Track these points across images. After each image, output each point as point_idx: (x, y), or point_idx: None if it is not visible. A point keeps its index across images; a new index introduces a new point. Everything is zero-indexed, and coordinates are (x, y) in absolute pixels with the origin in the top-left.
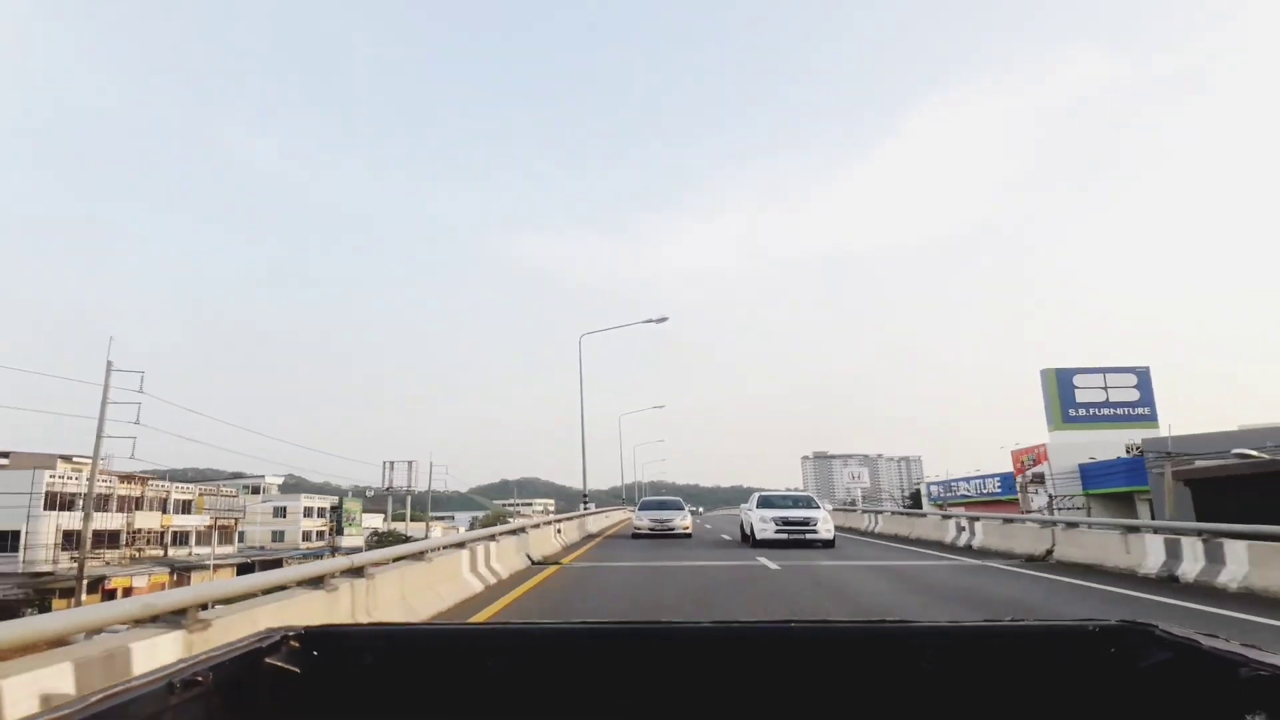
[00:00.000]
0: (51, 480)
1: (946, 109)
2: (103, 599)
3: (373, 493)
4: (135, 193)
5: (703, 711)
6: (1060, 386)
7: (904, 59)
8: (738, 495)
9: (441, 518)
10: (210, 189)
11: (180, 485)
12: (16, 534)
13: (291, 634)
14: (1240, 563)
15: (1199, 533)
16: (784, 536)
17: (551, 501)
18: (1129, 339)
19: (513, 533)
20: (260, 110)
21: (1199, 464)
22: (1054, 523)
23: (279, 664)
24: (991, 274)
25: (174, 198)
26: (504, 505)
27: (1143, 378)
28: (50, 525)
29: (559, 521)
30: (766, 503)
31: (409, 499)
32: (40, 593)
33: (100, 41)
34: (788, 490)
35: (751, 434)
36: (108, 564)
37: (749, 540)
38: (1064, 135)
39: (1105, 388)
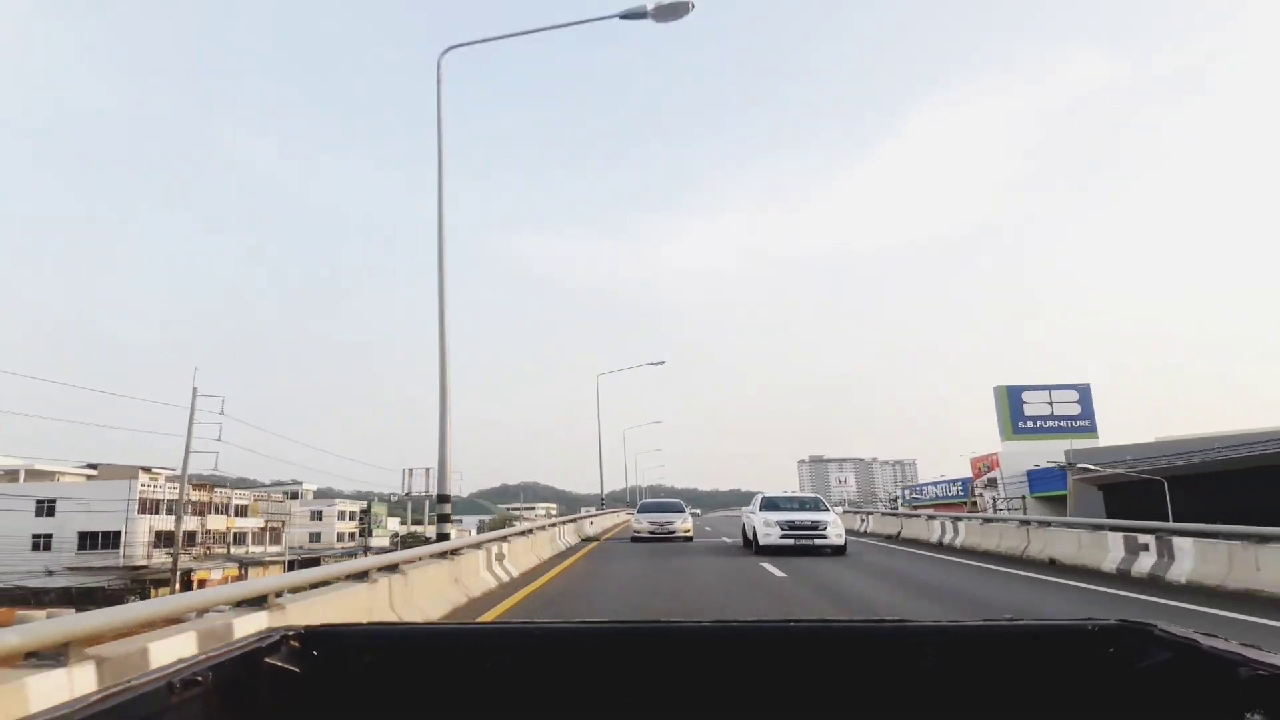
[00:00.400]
0: (143, 488)
1: (946, 109)
2: (193, 588)
3: (396, 498)
4: (140, 196)
5: (703, 711)
6: (1010, 402)
7: (904, 59)
8: (736, 498)
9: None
10: (211, 190)
11: (238, 491)
12: (117, 534)
13: (291, 633)
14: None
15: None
16: (790, 542)
17: (554, 506)
18: (1129, 339)
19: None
20: (259, 111)
21: (1098, 471)
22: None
23: (279, 664)
24: (990, 274)
25: (174, 200)
26: (509, 509)
27: (1084, 394)
28: (144, 527)
29: (564, 523)
30: (771, 505)
31: (426, 504)
32: (138, 583)
33: (100, 39)
34: (790, 492)
35: (750, 436)
36: (193, 559)
37: (752, 546)
38: (1063, 135)
39: (1050, 403)
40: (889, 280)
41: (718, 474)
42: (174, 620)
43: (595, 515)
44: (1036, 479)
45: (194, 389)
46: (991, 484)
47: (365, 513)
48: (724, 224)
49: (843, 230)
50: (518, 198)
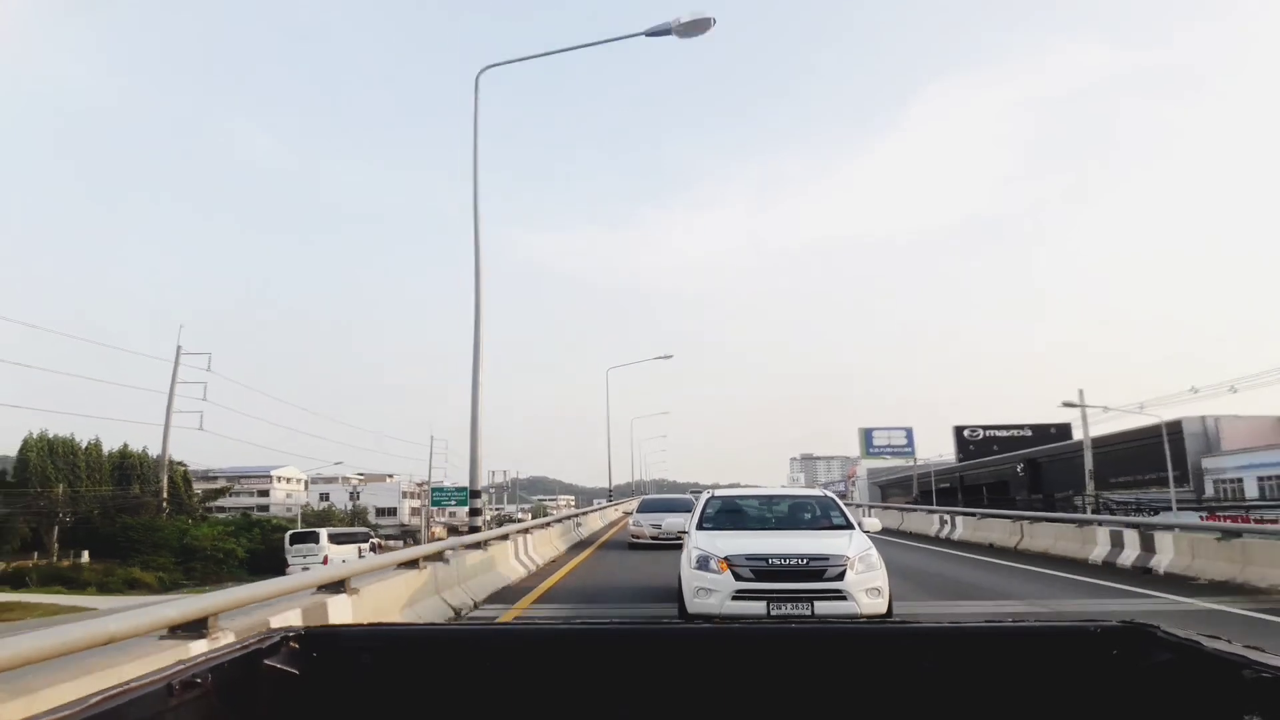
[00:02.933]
0: (404, 485)
1: (950, 100)
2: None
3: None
4: (155, 188)
5: (703, 712)
6: (865, 436)
7: (903, 54)
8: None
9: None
10: (211, 181)
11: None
12: (394, 509)
13: (290, 634)
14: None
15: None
16: (760, 610)
17: (572, 498)
18: (1136, 327)
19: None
20: (261, 104)
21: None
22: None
23: (278, 665)
24: (991, 268)
25: (181, 189)
26: (539, 500)
27: (909, 433)
28: (405, 506)
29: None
30: (725, 515)
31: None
32: (404, 535)
33: (102, 37)
34: (768, 491)
35: (750, 429)
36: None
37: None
38: (1074, 126)
39: (889, 438)
40: (888, 273)
41: (718, 468)
42: (413, 560)
43: (595, 510)
44: (875, 483)
45: (178, 346)
46: (852, 487)
47: (475, 494)
48: (724, 218)
49: (841, 224)
50: (517, 190)
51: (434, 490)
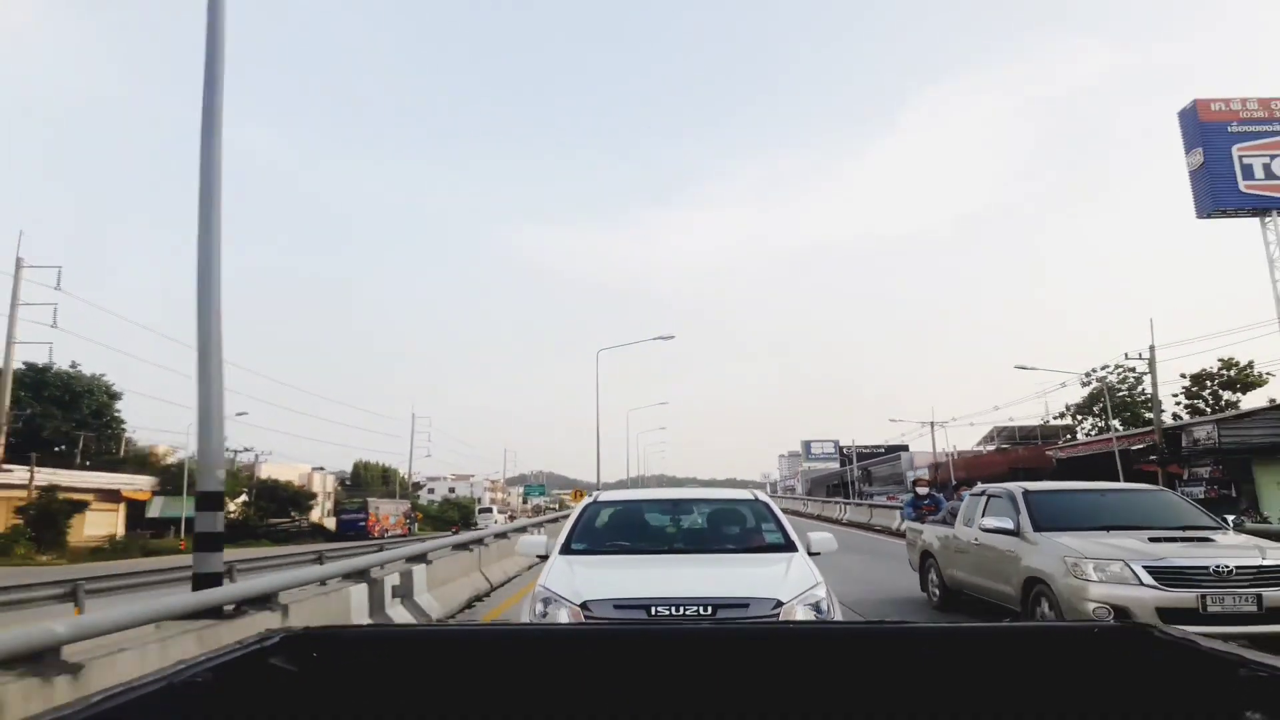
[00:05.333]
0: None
1: (948, 100)
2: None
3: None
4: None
5: (702, 712)
6: (806, 447)
7: (903, 54)
8: (733, 486)
9: (486, 510)
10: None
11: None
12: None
13: (291, 634)
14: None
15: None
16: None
17: (572, 494)
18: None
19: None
20: (259, 102)
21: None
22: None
23: (279, 664)
24: (990, 263)
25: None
26: (558, 493)
27: (836, 444)
28: (486, 497)
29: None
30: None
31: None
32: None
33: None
34: (688, 491)
35: (747, 425)
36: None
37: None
38: (1073, 125)
39: (823, 447)
40: (887, 270)
41: (715, 464)
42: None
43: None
44: (814, 483)
45: (18, 259)
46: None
47: (534, 489)
48: (723, 217)
49: (840, 222)
50: (519, 191)
51: (526, 488)
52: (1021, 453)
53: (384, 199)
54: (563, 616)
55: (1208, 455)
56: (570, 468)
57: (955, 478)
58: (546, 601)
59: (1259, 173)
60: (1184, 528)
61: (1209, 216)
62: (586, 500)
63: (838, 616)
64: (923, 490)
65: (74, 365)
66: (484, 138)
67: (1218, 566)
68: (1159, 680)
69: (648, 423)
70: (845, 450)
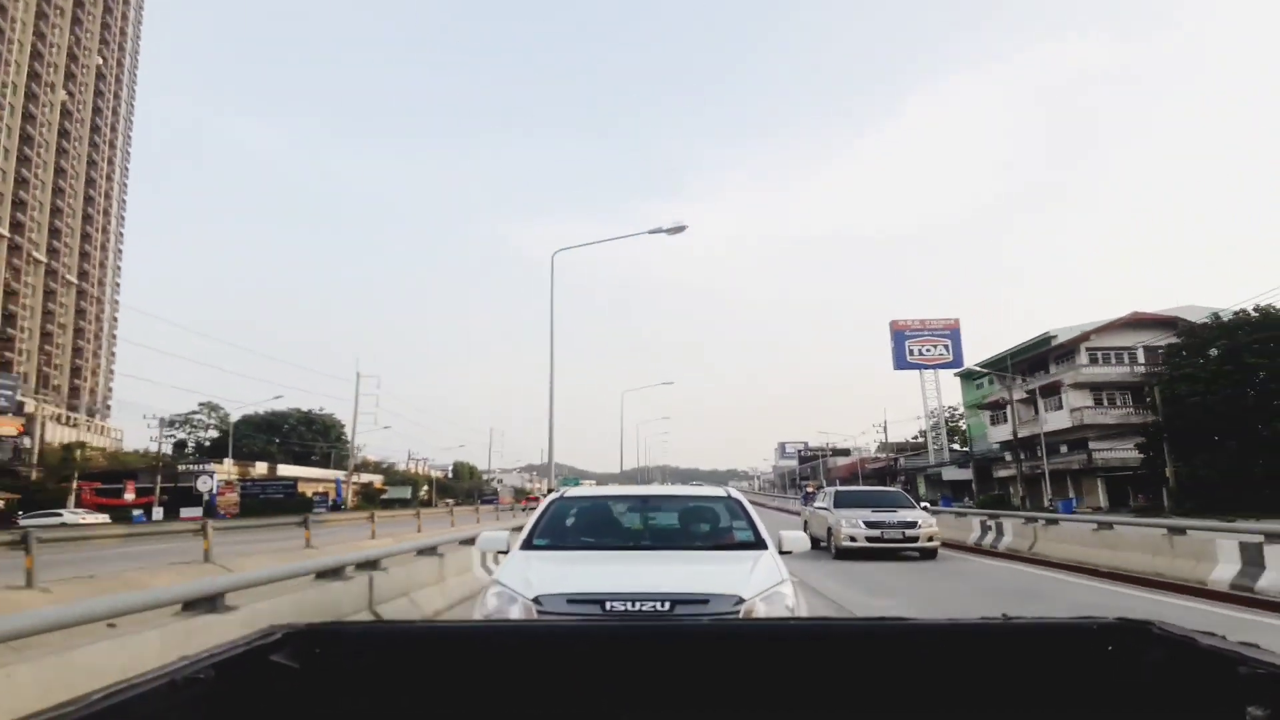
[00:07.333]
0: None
1: (944, 94)
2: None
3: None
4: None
5: (703, 710)
6: (781, 448)
7: (900, 50)
8: (734, 477)
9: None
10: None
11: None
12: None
13: (293, 630)
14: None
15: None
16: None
17: (594, 482)
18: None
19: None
20: (260, 97)
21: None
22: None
23: (280, 661)
24: (986, 260)
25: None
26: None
27: (805, 444)
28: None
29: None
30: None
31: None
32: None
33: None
34: (658, 488)
35: (749, 418)
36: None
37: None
38: (1075, 116)
39: (797, 448)
40: (887, 265)
41: (716, 456)
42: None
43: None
44: (782, 477)
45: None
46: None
47: (569, 481)
48: (722, 210)
49: (840, 217)
50: (516, 184)
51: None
52: (860, 462)
53: (397, 196)
54: (514, 612)
55: (902, 473)
56: (582, 459)
57: (826, 479)
58: (499, 596)
59: (917, 353)
60: (892, 507)
61: (899, 369)
62: (552, 495)
63: (804, 614)
64: (810, 489)
65: (320, 408)
66: (484, 136)
67: (890, 521)
68: (1156, 677)
69: (650, 411)
70: (802, 452)
